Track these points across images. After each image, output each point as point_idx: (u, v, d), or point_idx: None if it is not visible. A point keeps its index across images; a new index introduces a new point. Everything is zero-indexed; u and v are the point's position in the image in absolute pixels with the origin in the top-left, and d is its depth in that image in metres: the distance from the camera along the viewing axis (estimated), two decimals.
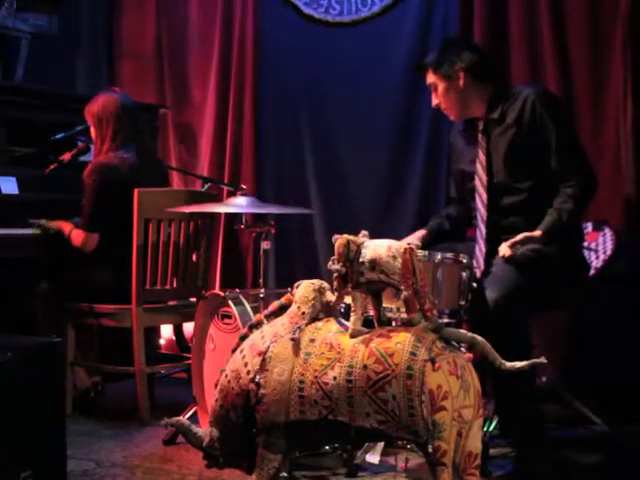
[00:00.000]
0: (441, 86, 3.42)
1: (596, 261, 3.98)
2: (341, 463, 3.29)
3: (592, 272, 3.87)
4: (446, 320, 3.02)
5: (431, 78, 3.45)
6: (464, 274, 3.09)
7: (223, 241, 5.07)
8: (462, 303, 3.10)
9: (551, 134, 3.27)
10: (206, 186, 4.59)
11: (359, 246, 2.62)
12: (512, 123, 3.31)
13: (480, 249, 3.28)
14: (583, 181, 3.26)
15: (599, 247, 4.02)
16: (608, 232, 4.05)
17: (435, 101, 3.48)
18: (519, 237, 3.13)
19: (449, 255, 3.12)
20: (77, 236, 4.02)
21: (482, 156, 3.37)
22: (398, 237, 2.88)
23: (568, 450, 3.46)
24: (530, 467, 3.12)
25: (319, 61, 5.00)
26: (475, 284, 3.11)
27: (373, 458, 3.23)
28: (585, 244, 3.83)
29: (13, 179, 4.25)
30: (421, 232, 3.55)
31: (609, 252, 3.99)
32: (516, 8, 4.40)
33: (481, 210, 3.35)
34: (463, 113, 3.46)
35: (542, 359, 2.56)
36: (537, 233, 3.16)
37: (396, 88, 4.76)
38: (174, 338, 4.78)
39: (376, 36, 4.85)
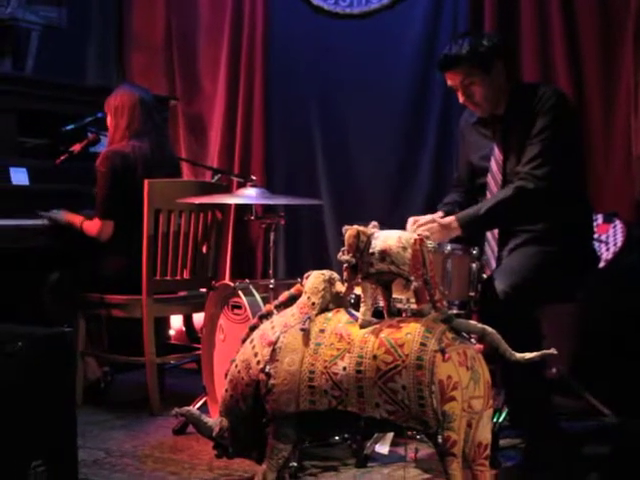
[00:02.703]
0: (478, 79, 3.24)
1: (606, 253, 3.98)
2: (350, 453, 3.29)
3: (602, 264, 3.87)
4: (456, 311, 3.02)
5: (463, 73, 3.25)
6: (474, 265, 3.09)
7: (233, 232, 5.07)
8: (472, 294, 3.10)
9: (537, 128, 3.18)
10: (216, 177, 4.60)
11: (369, 237, 2.62)
12: (527, 122, 3.22)
13: (492, 249, 3.26)
14: (526, 186, 3.12)
15: (609, 239, 4.01)
16: (618, 224, 4.04)
17: (463, 98, 3.31)
18: (425, 219, 3.11)
19: (459, 246, 3.12)
20: (92, 226, 4.03)
21: (499, 154, 3.30)
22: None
23: (578, 442, 3.45)
24: (540, 458, 3.12)
25: (329, 53, 4.99)
26: (485, 275, 3.11)
27: (382, 448, 3.23)
28: (595, 236, 3.83)
29: (24, 170, 4.26)
30: (439, 214, 3.49)
31: (619, 244, 3.98)
32: (527, 1, 4.38)
33: None
34: (493, 108, 3.32)
35: (552, 350, 2.56)
36: (449, 220, 3.13)
37: (405, 80, 4.75)
38: (184, 329, 4.79)
39: (385, 28, 4.83)
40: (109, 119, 4.14)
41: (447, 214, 3.38)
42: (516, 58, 3.40)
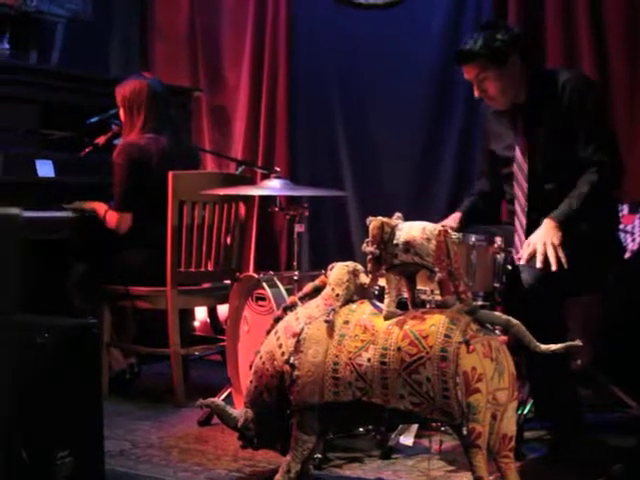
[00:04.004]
0: (492, 74, 3.24)
1: (632, 244, 3.95)
2: (375, 445, 3.29)
3: (628, 255, 3.84)
4: (480, 303, 3.01)
5: (477, 68, 3.25)
6: (498, 256, 3.07)
7: (257, 224, 5.07)
8: (496, 285, 3.08)
9: (582, 120, 3.20)
10: (240, 169, 4.61)
11: (393, 228, 2.62)
12: (551, 109, 3.23)
13: (520, 239, 3.24)
14: (605, 168, 3.16)
15: (635, 229, 3.98)
16: None
17: (478, 92, 3.30)
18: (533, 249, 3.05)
19: (483, 237, 3.10)
20: (111, 217, 4.05)
21: (523, 143, 3.29)
22: (431, 220, 2.88)
23: (603, 434, 3.44)
24: (565, 451, 3.11)
25: (352, 43, 4.97)
26: (510, 266, 3.10)
27: (407, 440, 3.23)
28: (621, 226, 3.80)
29: (49, 162, 4.29)
30: (457, 214, 3.51)
31: None
32: None
33: (521, 200, 3.28)
34: (511, 99, 3.31)
35: (577, 342, 2.55)
36: (548, 227, 3.09)
37: (429, 70, 4.73)
38: (208, 320, 4.80)
39: (409, 18, 4.81)
40: (123, 114, 4.13)
41: (466, 214, 3.44)
42: (533, 48, 3.36)
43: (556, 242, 3.03)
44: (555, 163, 3.26)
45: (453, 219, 3.46)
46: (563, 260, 2.99)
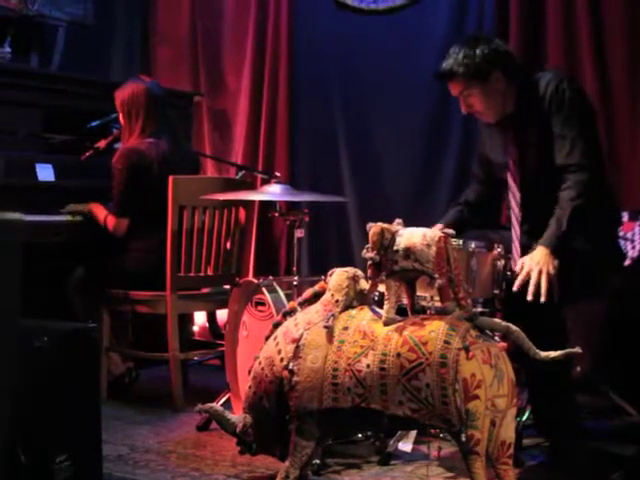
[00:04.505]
0: (475, 91, 3.19)
1: (632, 251, 3.94)
2: (374, 451, 3.29)
3: (628, 262, 3.84)
4: (480, 309, 3.00)
5: (460, 86, 3.21)
6: (498, 263, 3.08)
7: (257, 228, 5.08)
8: (496, 292, 3.08)
9: (556, 124, 3.13)
10: (240, 174, 4.60)
11: (393, 234, 2.62)
12: (539, 117, 3.17)
13: (516, 249, 3.21)
14: (582, 179, 3.07)
15: (635, 237, 3.98)
16: None
17: (465, 108, 3.26)
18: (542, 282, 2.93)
19: (483, 244, 3.10)
20: (109, 221, 4.06)
21: (514, 154, 3.25)
22: (432, 226, 2.86)
23: (603, 441, 3.43)
24: (564, 458, 3.10)
25: (353, 48, 4.98)
26: (510, 273, 3.09)
27: (406, 446, 3.23)
28: (621, 234, 3.80)
29: (50, 166, 4.29)
30: (438, 227, 3.45)
31: None
32: None
33: (515, 210, 3.25)
34: (500, 113, 3.27)
35: (577, 349, 2.55)
36: (540, 255, 2.99)
37: (430, 77, 4.70)
38: (207, 325, 4.80)
39: (410, 24, 4.82)
40: (122, 118, 4.13)
41: (449, 227, 3.27)
42: (515, 61, 3.29)
43: (551, 271, 2.93)
44: (547, 171, 3.23)
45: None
46: (555, 291, 2.93)
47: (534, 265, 2.95)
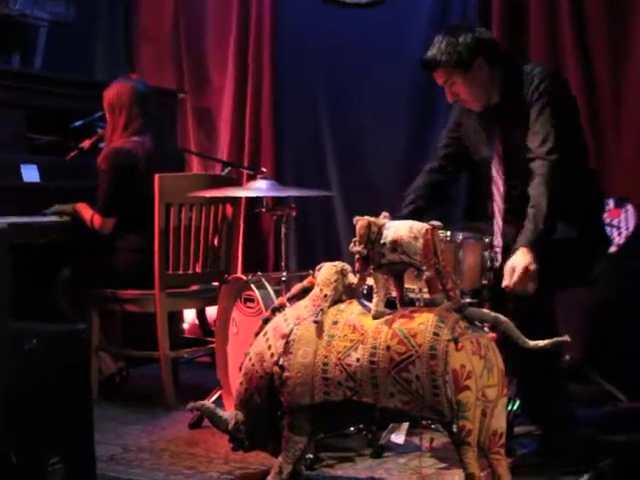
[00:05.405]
0: (459, 79, 3.20)
1: (618, 238, 3.97)
2: (366, 444, 3.30)
3: (614, 249, 3.86)
4: (468, 300, 3.01)
5: (444, 75, 3.21)
6: (486, 253, 3.08)
7: (245, 224, 5.07)
8: (484, 282, 3.09)
9: (536, 106, 3.12)
10: (226, 170, 4.60)
11: (380, 227, 2.62)
12: (524, 107, 3.17)
13: (498, 243, 3.21)
14: (544, 172, 3.05)
15: (621, 224, 4.00)
16: (630, 208, 4.02)
17: (451, 97, 3.27)
18: (516, 276, 2.93)
19: (471, 235, 3.11)
20: (96, 221, 4.05)
21: (499, 145, 3.26)
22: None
23: (593, 428, 3.45)
24: (555, 445, 3.12)
25: (336, 43, 4.96)
26: (497, 263, 3.10)
27: (398, 438, 3.24)
28: (607, 221, 3.81)
29: (34, 167, 4.27)
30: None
31: (631, 228, 3.98)
32: None
33: (498, 202, 3.25)
34: (486, 101, 3.27)
35: (565, 337, 2.56)
36: (524, 255, 2.95)
37: (413, 70, 4.72)
38: (197, 322, 4.80)
39: (394, 17, 4.81)
40: (107, 115, 4.13)
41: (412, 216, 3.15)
42: (499, 48, 3.30)
43: (531, 268, 2.92)
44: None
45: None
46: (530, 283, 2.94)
47: (518, 264, 2.94)
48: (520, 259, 2.95)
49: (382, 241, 2.60)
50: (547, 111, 3.12)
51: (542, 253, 2.97)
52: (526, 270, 2.92)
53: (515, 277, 2.92)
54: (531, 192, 3.06)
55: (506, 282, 2.93)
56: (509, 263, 2.97)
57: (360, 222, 2.64)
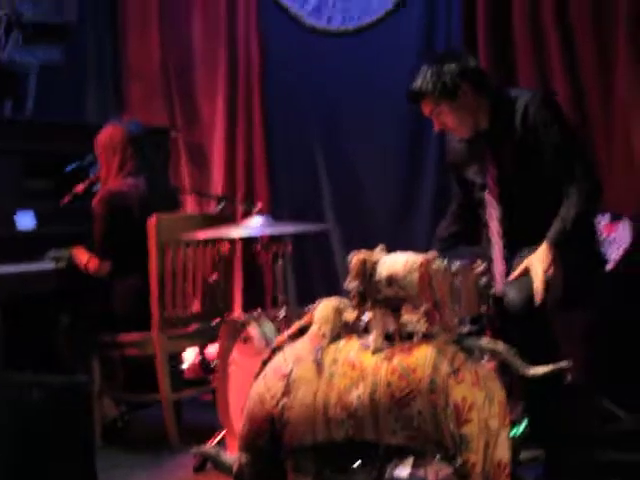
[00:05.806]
0: (446, 108, 3.23)
1: (615, 252, 3.96)
2: (371, 478, 3.27)
3: (612, 264, 3.84)
4: (468, 327, 2.99)
5: (431, 104, 3.24)
6: (483, 279, 3.08)
7: (242, 261, 5.06)
8: (483, 309, 3.08)
9: (553, 140, 3.18)
10: (221, 205, 4.59)
11: (374, 264, 2.62)
12: (516, 132, 3.20)
13: (498, 269, 3.21)
14: (586, 187, 3.14)
15: (618, 239, 3.99)
16: (627, 222, 4.02)
17: (437, 125, 3.29)
18: (539, 283, 3.02)
19: (468, 262, 3.10)
20: (92, 264, 4.05)
21: (493, 170, 3.27)
22: (414, 249, 2.86)
23: (598, 448, 3.43)
24: (561, 467, 3.10)
25: (327, 72, 4.98)
26: (494, 290, 3.09)
27: (403, 471, 3.21)
28: (604, 236, 3.81)
29: (30, 213, 4.28)
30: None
31: (628, 242, 3.97)
32: (520, 9, 4.36)
33: (495, 224, 3.27)
34: (473, 128, 3.29)
35: (564, 363, 2.56)
36: (545, 250, 3.08)
37: (403, 96, 4.73)
38: (197, 361, 4.76)
39: (381, 42, 4.83)
40: (101, 157, 4.14)
41: (443, 250, 3.31)
42: (484, 75, 3.33)
43: (550, 272, 3.00)
44: (526, 185, 3.25)
45: None
46: (549, 297, 2.99)
47: (535, 261, 3.03)
48: (538, 261, 3.03)
49: (377, 277, 2.60)
50: (562, 137, 3.18)
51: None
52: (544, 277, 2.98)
53: (539, 285, 2.98)
54: (566, 203, 3.13)
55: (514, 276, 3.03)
56: (526, 260, 3.03)
57: (354, 258, 2.64)
